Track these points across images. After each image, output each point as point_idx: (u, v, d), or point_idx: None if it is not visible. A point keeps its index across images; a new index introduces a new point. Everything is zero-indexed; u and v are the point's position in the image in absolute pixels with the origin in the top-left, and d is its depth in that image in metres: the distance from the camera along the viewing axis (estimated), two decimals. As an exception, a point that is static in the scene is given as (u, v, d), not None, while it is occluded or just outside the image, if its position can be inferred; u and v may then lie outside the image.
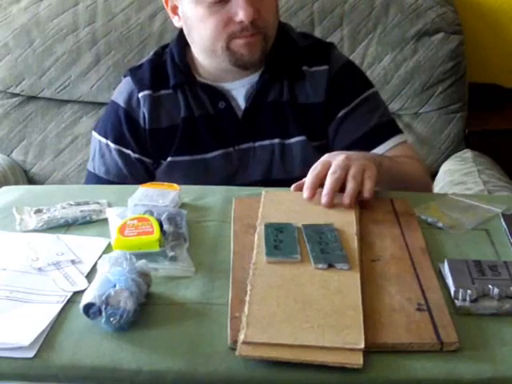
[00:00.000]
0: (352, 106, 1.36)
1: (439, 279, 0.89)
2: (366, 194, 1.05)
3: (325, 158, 1.09)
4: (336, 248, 0.92)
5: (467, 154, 1.92)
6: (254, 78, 1.35)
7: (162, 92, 1.37)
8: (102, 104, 1.98)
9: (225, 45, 1.28)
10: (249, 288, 0.84)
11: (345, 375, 0.73)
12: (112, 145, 1.37)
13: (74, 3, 1.95)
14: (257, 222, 1.00)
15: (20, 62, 1.96)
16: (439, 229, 1.04)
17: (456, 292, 0.85)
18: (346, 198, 1.04)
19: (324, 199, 1.04)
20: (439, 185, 1.78)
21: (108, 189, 1.17)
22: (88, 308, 0.80)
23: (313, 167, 1.08)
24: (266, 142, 1.36)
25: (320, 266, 0.88)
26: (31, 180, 1.99)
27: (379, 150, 1.33)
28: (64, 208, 1.06)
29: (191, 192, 1.14)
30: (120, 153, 1.37)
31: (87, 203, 1.08)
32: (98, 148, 1.40)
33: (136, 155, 1.37)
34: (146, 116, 1.36)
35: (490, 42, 2.12)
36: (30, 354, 0.76)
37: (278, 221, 1.00)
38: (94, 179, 1.39)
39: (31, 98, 1.99)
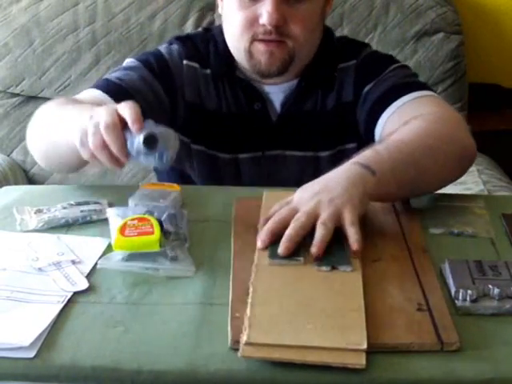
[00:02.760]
0: (375, 81, 1.28)
1: (440, 279, 0.89)
2: (354, 245, 0.90)
3: (293, 201, 0.97)
4: (339, 250, 0.91)
5: (467, 153, 1.92)
6: (293, 84, 1.31)
7: (208, 71, 1.32)
8: (101, 104, 1.98)
9: (247, 46, 1.23)
10: (251, 290, 0.84)
11: (347, 376, 0.72)
12: (141, 65, 1.29)
13: (74, 3, 1.96)
14: (258, 224, 0.99)
15: (20, 62, 1.96)
16: (471, 237, 1.01)
17: (456, 292, 0.85)
18: (313, 247, 0.89)
19: (281, 248, 0.90)
20: (439, 185, 1.78)
21: (108, 189, 1.17)
22: (150, 140, 0.93)
23: (278, 210, 0.96)
24: (299, 153, 1.32)
25: (323, 268, 0.88)
26: (31, 180, 1.99)
27: (390, 109, 1.21)
28: (64, 208, 1.06)
29: (191, 192, 1.14)
30: (145, 75, 1.28)
31: (87, 203, 1.08)
32: (121, 66, 1.32)
33: (161, 90, 1.28)
34: (185, 85, 1.31)
35: (490, 42, 2.12)
36: (31, 354, 0.76)
37: None
38: (103, 82, 1.27)
39: (31, 98, 1.99)
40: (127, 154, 0.95)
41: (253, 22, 1.22)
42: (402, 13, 1.93)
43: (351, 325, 0.77)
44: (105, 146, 0.95)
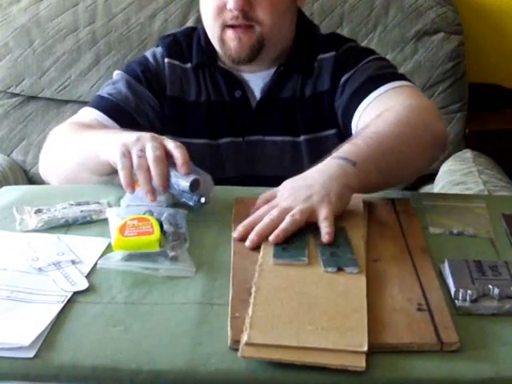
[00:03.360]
0: (352, 72, 1.32)
1: (440, 279, 0.89)
2: (325, 238, 0.92)
3: (274, 199, 1.00)
4: (346, 251, 0.91)
5: (467, 154, 1.92)
6: (272, 71, 1.36)
7: (188, 66, 1.39)
8: (102, 104, 1.97)
9: (219, 33, 1.29)
10: (253, 290, 0.83)
11: (346, 376, 0.72)
12: (128, 76, 1.37)
13: (74, 3, 1.95)
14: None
15: (20, 62, 1.95)
16: (471, 237, 1.02)
17: (456, 292, 0.85)
18: (272, 235, 0.92)
19: (246, 242, 0.94)
20: (439, 185, 1.78)
21: (108, 189, 1.16)
22: (194, 183, 1.01)
23: (258, 202, 1.01)
24: (278, 138, 1.36)
25: (329, 269, 0.88)
26: (31, 180, 1.99)
27: (367, 100, 1.24)
28: (64, 208, 1.06)
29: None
30: (132, 84, 1.36)
31: (87, 203, 1.08)
32: (111, 80, 1.40)
33: (148, 93, 1.36)
34: (167, 82, 1.37)
35: (490, 42, 2.12)
36: (31, 354, 0.76)
37: None
38: (97, 99, 1.36)
39: (31, 98, 1.99)
40: (167, 188, 1.02)
41: (222, 8, 1.27)
42: (402, 13, 1.93)
43: (352, 326, 0.77)
44: (148, 173, 1.02)
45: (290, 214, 0.94)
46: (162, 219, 0.98)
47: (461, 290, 0.84)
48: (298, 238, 0.94)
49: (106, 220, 1.03)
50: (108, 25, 1.95)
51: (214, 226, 1.04)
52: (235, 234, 0.97)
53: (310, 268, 0.89)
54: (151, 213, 0.99)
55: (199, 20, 1.93)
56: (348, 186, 0.99)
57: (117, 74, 1.41)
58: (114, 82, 1.38)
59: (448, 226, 1.04)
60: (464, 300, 0.84)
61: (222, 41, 1.30)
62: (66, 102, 1.99)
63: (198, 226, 1.03)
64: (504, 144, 2.04)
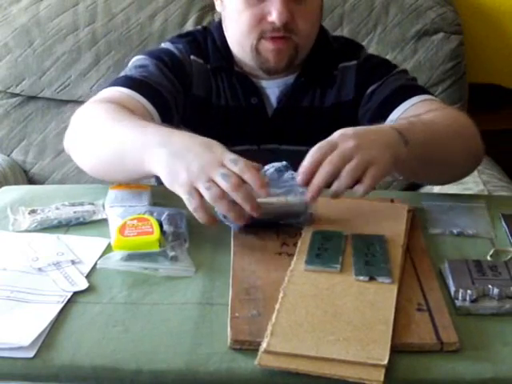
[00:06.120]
0: (380, 83, 1.31)
1: (439, 279, 0.89)
2: (359, 192, 0.94)
3: (334, 137, 0.97)
4: (381, 261, 0.89)
5: (467, 153, 1.92)
6: (289, 79, 1.34)
7: (208, 66, 1.35)
8: (102, 104, 1.97)
9: (254, 43, 1.26)
10: (280, 295, 0.83)
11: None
12: (156, 61, 1.30)
13: (74, 3, 1.95)
14: (303, 229, 0.99)
15: (20, 62, 1.95)
16: (471, 237, 1.02)
17: (456, 292, 0.85)
18: (333, 194, 0.94)
19: (308, 195, 0.95)
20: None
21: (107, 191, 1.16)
22: None
23: (317, 146, 0.97)
24: (293, 148, 1.33)
25: (361, 278, 0.87)
26: (31, 180, 1.99)
27: (401, 108, 1.24)
28: (58, 209, 1.06)
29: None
30: (164, 70, 1.29)
31: (81, 204, 1.08)
32: (134, 64, 1.32)
33: (178, 84, 1.30)
34: (193, 79, 1.33)
35: (490, 42, 2.12)
36: (30, 354, 0.76)
37: (327, 228, 0.98)
38: (121, 79, 1.26)
39: (31, 98, 1.99)
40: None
41: (260, 19, 1.24)
42: (402, 13, 1.93)
43: (376, 338, 0.76)
44: (227, 202, 0.92)
45: (349, 168, 0.93)
46: (162, 219, 0.98)
47: (461, 290, 0.84)
48: (333, 244, 0.93)
49: (105, 220, 1.03)
50: (108, 25, 1.95)
51: (213, 226, 1.04)
52: (300, 180, 0.96)
53: (341, 276, 0.87)
54: (151, 213, 0.99)
55: (199, 20, 1.95)
56: (396, 158, 0.98)
57: (141, 58, 1.33)
58: (141, 65, 1.30)
59: (448, 226, 1.03)
60: (464, 300, 0.84)
61: (257, 51, 1.27)
62: (66, 102, 1.99)
63: (198, 226, 1.02)
64: (504, 144, 2.04)
